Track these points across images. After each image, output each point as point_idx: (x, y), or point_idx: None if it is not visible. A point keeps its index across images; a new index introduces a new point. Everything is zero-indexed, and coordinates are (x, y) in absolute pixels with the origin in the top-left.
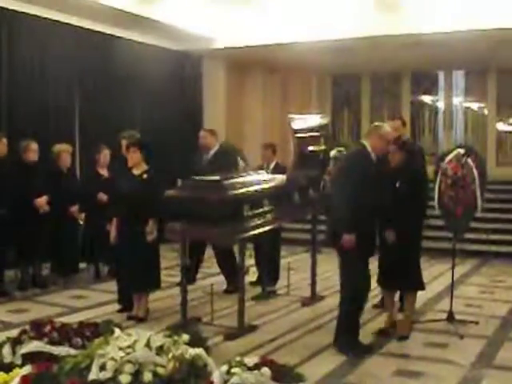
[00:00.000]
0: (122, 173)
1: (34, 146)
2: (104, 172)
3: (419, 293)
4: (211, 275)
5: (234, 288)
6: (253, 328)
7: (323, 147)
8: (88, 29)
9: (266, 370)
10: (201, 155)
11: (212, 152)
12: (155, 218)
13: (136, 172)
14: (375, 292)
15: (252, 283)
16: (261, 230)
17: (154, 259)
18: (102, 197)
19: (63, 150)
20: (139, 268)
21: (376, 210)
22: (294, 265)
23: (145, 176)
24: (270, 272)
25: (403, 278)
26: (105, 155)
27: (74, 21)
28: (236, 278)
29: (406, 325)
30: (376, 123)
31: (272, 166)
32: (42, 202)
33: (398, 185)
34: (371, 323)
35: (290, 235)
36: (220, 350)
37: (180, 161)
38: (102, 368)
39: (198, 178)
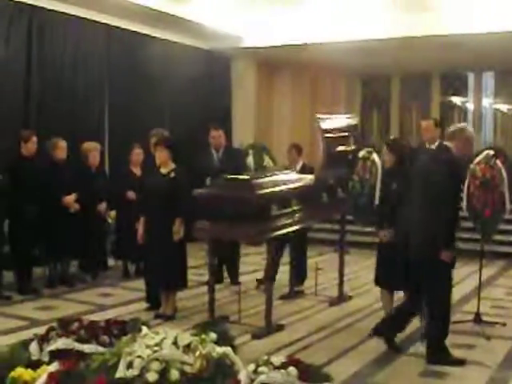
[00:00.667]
0: (151, 171)
1: (63, 143)
2: (137, 171)
3: None
4: (240, 274)
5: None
6: (280, 327)
7: (352, 147)
8: (118, 27)
9: (292, 370)
10: (210, 153)
11: (222, 151)
12: (182, 217)
13: (164, 171)
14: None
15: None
16: (289, 229)
17: (181, 258)
18: (131, 195)
19: (92, 148)
20: (166, 266)
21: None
22: (322, 265)
23: (172, 175)
24: (298, 272)
25: (400, 279)
26: (136, 154)
27: (104, 19)
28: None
29: None
30: (459, 125)
31: (299, 167)
32: (70, 199)
33: (394, 186)
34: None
35: (318, 235)
36: (247, 349)
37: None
38: (129, 366)
39: (227, 176)
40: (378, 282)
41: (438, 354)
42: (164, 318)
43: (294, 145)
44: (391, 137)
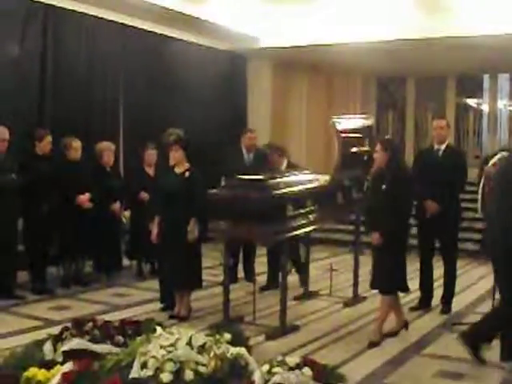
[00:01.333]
0: (165, 171)
1: (77, 143)
2: (150, 170)
3: (462, 295)
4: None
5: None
6: (295, 328)
7: (367, 148)
8: (134, 26)
9: (307, 370)
10: (241, 154)
11: (253, 153)
12: (197, 217)
13: (178, 170)
14: (413, 295)
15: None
16: (304, 230)
17: (196, 258)
18: (144, 195)
19: (106, 147)
20: (181, 267)
21: None
22: (337, 266)
23: (187, 174)
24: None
25: (377, 279)
26: (150, 154)
27: (120, 19)
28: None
29: (375, 330)
30: None
31: (283, 167)
32: (84, 199)
33: (384, 186)
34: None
35: (333, 236)
36: (261, 350)
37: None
38: (144, 366)
39: (241, 176)
40: (372, 284)
41: (472, 341)
42: (179, 319)
43: (274, 149)
44: (386, 136)
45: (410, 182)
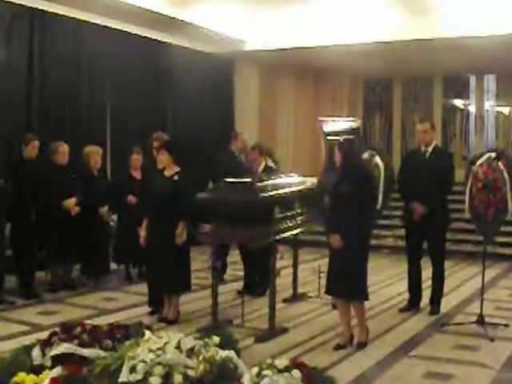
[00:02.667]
0: (154, 174)
1: (64, 147)
2: (137, 174)
3: (450, 295)
4: (241, 278)
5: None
6: (284, 330)
7: None
8: (121, 30)
9: (296, 373)
10: (235, 156)
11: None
12: (185, 221)
13: (167, 173)
14: (402, 296)
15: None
16: (291, 232)
17: (185, 261)
18: (132, 199)
19: (93, 151)
20: (169, 270)
21: None
22: (325, 268)
23: (176, 177)
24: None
25: (349, 286)
26: (135, 159)
27: (106, 22)
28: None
29: (362, 331)
30: None
31: (261, 168)
32: (71, 203)
33: (343, 188)
34: (399, 327)
35: (321, 238)
36: (251, 353)
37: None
38: (133, 370)
39: (229, 179)
40: (327, 290)
41: None
42: (167, 322)
43: (257, 144)
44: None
45: (368, 182)
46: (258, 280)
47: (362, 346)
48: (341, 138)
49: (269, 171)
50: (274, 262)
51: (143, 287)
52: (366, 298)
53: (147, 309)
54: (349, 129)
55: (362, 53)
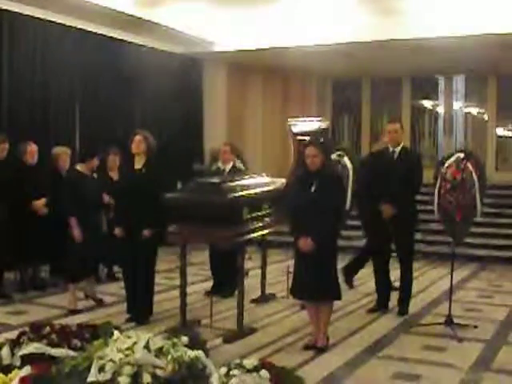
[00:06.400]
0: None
1: (33, 147)
2: (114, 175)
3: (419, 296)
4: (210, 278)
5: (231, 291)
6: (252, 330)
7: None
8: (89, 31)
9: (264, 373)
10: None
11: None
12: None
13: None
14: (371, 297)
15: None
16: (260, 232)
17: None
18: (105, 198)
19: (62, 152)
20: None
21: None
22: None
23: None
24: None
25: (319, 288)
26: (111, 160)
27: (75, 23)
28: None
29: (323, 336)
30: None
31: (229, 167)
32: (40, 204)
33: (313, 188)
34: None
35: (289, 239)
36: (219, 353)
37: (180, 164)
38: (101, 370)
39: (198, 180)
40: (293, 292)
41: None
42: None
43: (229, 142)
44: (318, 138)
45: (340, 182)
46: (227, 280)
47: (322, 350)
48: (313, 137)
49: (235, 172)
50: (242, 262)
51: (112, 287)
52: (339, 298)
53: (115, 309)
54: (317, 129)
55: (330, 53)
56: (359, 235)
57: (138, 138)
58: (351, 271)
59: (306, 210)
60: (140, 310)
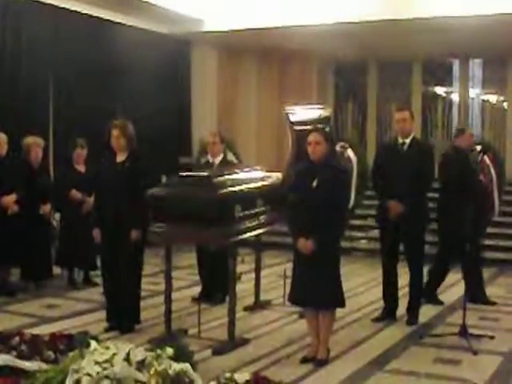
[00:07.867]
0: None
1: (1, 137)
2: (81, 168)
3: (429, 304)
4: (198, 283)
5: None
6: (245, 341)
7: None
8: (66, 8)
9: None
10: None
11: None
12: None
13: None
14: (376, 305)
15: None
16: (254, 232)
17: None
18: (75, 194)
19: (34, 143)
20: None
21: None
22: (290, 272)
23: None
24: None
25: (320, 294)
26: (79, 154)
27: (53, 1)
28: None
29: (323, 348)
30: None
31: (218, 160)
32: (9, 200)
33: (315, 183)
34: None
35: (286, 239)
36: (208, 366)
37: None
38: None
39: (184, 173)
40: (291, 298)
41: None
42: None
43: (218, 131)
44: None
45: (346, 178)
46: (217, 286)
47: (322, 363)
48: (315, 127)
49: (226, 165)
50: (233, 265)
51: (88, 293)
52: (343, 305)
53: (93, 317)
54: (318, 118)
55: (332, 34)
56: (363, 236)
57: (115, 133)
58: (433, 288)
59: (306, 207)
60: (126, 318)
